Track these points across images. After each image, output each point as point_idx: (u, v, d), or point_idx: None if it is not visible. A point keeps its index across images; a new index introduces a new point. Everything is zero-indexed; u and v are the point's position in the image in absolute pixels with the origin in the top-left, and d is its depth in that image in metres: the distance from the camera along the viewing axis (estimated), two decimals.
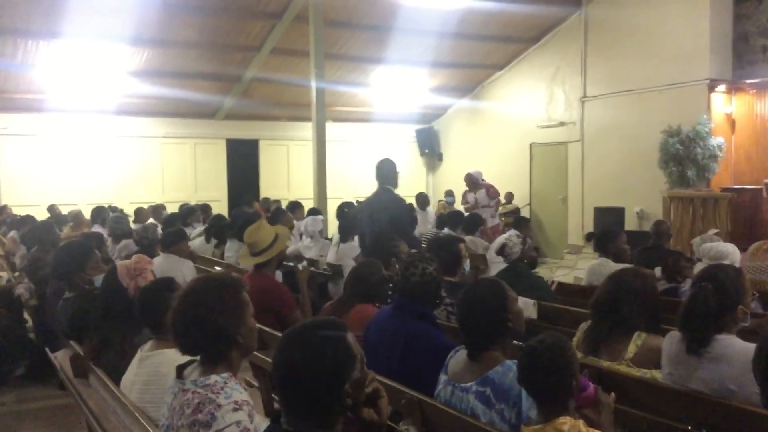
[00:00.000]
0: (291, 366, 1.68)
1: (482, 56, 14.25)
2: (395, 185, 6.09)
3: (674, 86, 10.97)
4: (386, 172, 6.10)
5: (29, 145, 13.25)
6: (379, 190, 6.09)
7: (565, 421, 2.17)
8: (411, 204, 10.29)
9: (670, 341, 2.81)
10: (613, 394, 2.33)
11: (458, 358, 2.73)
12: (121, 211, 10.13)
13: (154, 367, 2.62)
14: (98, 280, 4.03)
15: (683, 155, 9.95)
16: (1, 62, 11.26)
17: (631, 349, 2.93)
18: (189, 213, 9.91)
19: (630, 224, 11.11)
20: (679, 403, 2.67)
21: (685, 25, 10.84)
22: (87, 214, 9.96)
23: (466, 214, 9.37)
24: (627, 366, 2.89)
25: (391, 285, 4.46)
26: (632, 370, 2.87)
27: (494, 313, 2.58)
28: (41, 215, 10.32)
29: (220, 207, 13.62)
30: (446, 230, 7.96)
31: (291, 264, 5.97)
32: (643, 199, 11.28)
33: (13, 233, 8.47)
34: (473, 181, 10.69)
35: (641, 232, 9.82)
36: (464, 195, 10.99)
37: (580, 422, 2.17)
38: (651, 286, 3.15)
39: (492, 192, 10.46)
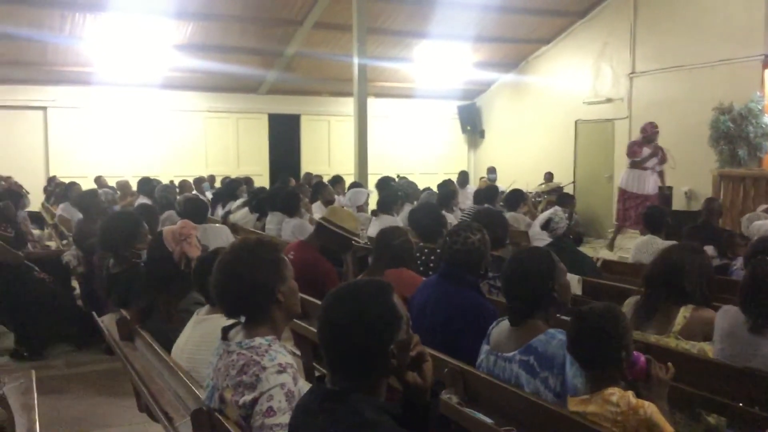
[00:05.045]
0: (337, 325, 1.66)
1: (527, 30, 13.97)
2: None
3: (726, 62, 10.63)
4: None
5: (77, 117, 13.51)
6: None
7: (614, 392, 2.12)
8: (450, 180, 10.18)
9: (724, 316, 2.74)
10: (670, 364, 2.25)
11: (500, 328, 2.70)
12: (171, 181, 10.53)
13: (210, 330, 2.63)
14: (145, 253, 4.01)
15: (734, 133, 9.72)
16: (50, 35, 11.44)
17: (679, 321, 2.87)
18: (237, 185, 10.12)
19: (678, 204, 10.86)
20: (731, 380, 2.60)
21: None
22: (133, 186, 10.18)
23: (630, 168, 9.09)
24: (675, 338, 2.82)
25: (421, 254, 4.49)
26: (681, 342, 2.81)
27: (541, 281, 2.54)
28: (88, 187, 10.53)
29: (262, 181, 13.71)
30: (486, 206, 7.84)
31: None
32: (692, 178, 10.98)
33: (65, 204, 8.68)
34: (656, 133, 9.76)
35: (689, 212, 9.59)
36: (638, 145, 9.75)
37: (630, 393, 2.12)
38: (708, 262, 3.11)
39: (662, 156, 9.80)
